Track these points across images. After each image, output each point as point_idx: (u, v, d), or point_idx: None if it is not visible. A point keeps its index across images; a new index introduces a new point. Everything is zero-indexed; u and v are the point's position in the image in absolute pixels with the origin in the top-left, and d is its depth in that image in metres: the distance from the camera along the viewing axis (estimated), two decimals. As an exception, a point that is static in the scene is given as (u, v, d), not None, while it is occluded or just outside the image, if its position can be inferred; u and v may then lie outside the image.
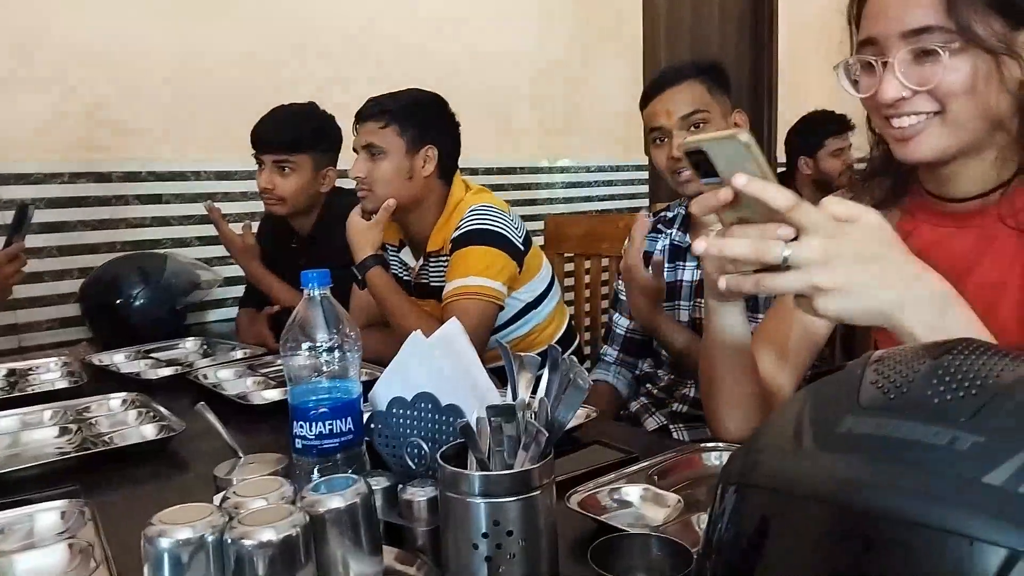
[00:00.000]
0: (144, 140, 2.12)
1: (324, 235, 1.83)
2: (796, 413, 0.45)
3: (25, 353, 1.83)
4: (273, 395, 1.36)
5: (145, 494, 1.00)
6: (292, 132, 1.77)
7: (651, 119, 1.43)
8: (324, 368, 0.84)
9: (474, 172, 2.56)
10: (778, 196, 0.67)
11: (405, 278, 1.73)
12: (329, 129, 1.83)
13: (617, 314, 1.59)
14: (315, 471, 0.82)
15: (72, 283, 1.98)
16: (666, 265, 1.48)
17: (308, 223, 1.85)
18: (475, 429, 0.72)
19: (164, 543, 0.61)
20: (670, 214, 1.56)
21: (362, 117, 1.59)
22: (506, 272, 1.57)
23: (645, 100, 1.45)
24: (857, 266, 0.68)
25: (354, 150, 1.61)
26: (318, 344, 0.84)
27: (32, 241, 1.77)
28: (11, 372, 1.59)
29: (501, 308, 1.55)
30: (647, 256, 1.51)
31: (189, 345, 1.80)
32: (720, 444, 0.96)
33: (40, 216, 1.92)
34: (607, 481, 0.87)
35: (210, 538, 0.62)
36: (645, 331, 1.50)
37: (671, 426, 1.44)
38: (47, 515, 0.85)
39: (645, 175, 3.37)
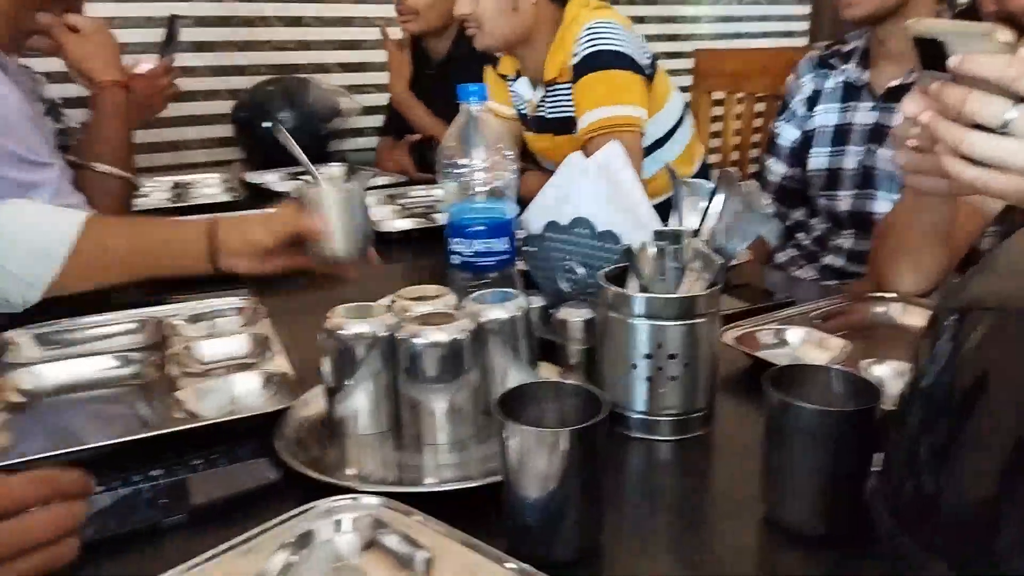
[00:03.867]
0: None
1: (459, 59, 1.77)
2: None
3: (183, 169, 1.95)
4: (405, 224, 1.38)
5: (306, 299, 1.07)
6: None
7: None
8: (481, 186, 0.83)
9: None
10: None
11: (522, 111, 1.64)
12: None
13: (773, 159, 1.48)
14: (470, 288, 0.84)
15: (223, 103, 2.05)
16: (838, 105, 1.35)
17: (442, 47, 1.80)
18: (636, 254, 0.70)
19: (342, 335, 0.65)
20: (845, 48, 1.39)
21: None
22: (640, 95, 1.44)
23: None
24: None
25: None
26: (477, 162, 0.83)
27: (184, 60, 1.83)
28: (176, 184, 1.71)
29: (643, 134, 1.46)
30: (816, 94, 1.38)
31: (333, 170, 1.85)
32: (892, 295, 0.90)
33: (190, 35, 1.96)
34: (764, 321, 0.85)
35: (383, 335, 0.65)
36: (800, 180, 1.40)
37: (822, 281, 1.37)
38: (227, 310, 0.92)
39: (806, 9, 3.04)
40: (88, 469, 0.61)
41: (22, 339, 0.83)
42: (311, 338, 0.67)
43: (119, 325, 0.88)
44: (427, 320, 0.65)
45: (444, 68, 1.81)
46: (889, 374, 0.71)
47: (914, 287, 0.91)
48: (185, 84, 1.98)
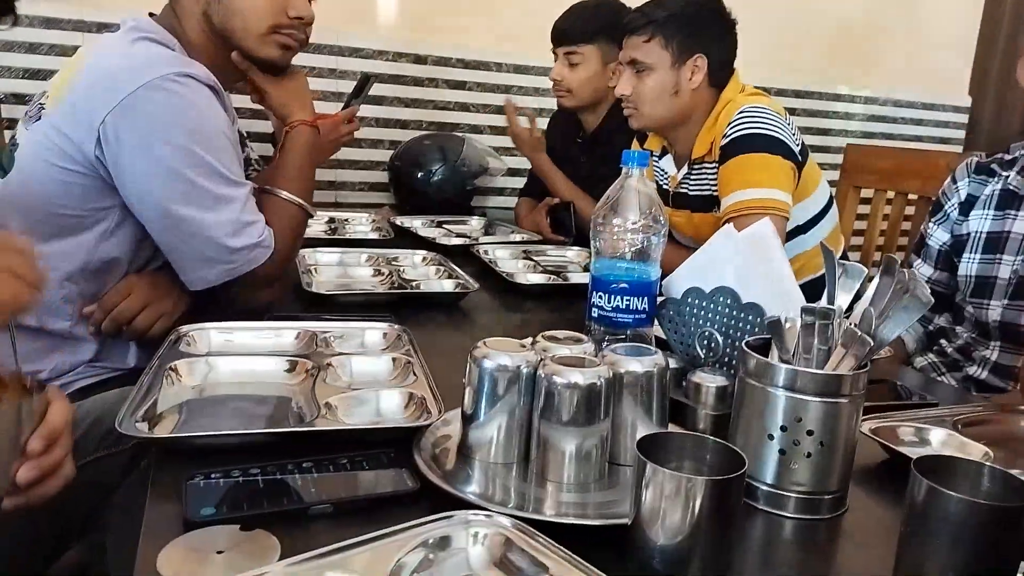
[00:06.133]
0: (458, 24, 2.26)
1: (608, 132, 1.84)
2: None
3: (339, 207, 2.11)
4: (538, 279, 1.44)
5: (445, 331, 1.13)
6: (582, 23, 1.78)
7: None
8: (629, 247, 0.87)
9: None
10: None
11: (664, 186, 1.67)
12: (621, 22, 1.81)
13: (920, 260, 1.44)
14: (605, 341, 0.87)
15: (383, 152, 2.22)
16: (993, 212, 1.30)
17: (595, 120, 1.88)
18: (783, 327, 0.71)
19: (487, 364, 0.69)
20: (1009, 156, 1.35)
21: (628, 29, 1.50)
22: (788, 180, 1.43)
23: None
24: None
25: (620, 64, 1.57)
26: (628, 223, 0.87)
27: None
28: (331, 220, 1.85)
29: (787, 219, 1.45)
30: (972, 199, 1.34)
31: (474, 223, 1.96)
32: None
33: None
34: (904, 417, 0.82)
35: (525, 370, 0.69)
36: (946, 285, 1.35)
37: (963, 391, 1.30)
38: (373, 333, 1.00)
39: (963, 118, 2.94)
40: (248, 452, 0.68)
41: (199, 334, 0.93)
42: (447, 365, 0.71)
43: (280, 334, 0.96)
44: (567, 362, 0.68)
45: (593, 138, 1.89)
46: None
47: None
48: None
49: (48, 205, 1.05)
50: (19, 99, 1.85)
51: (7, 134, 1.18)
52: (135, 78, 1.00)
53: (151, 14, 1.16)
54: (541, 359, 0.70)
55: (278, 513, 0.59)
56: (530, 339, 0.76)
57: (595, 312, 0.87)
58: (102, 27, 1.88)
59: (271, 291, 1.13)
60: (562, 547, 0.52)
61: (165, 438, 0.69)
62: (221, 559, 0.51)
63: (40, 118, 1.08)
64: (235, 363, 0.86)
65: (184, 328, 0.93)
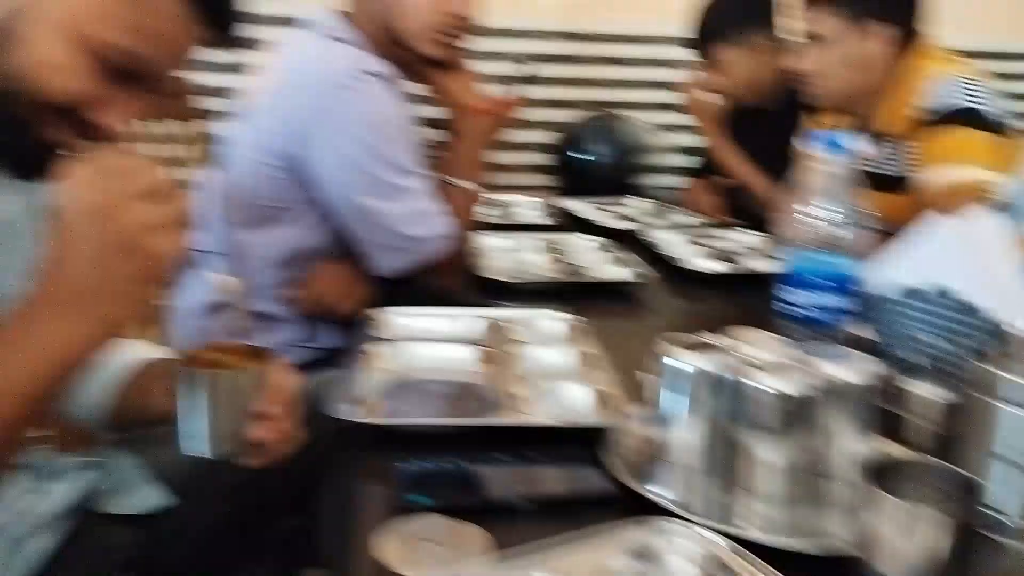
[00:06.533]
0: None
1: (776, 110, 1.73)
2: None
3: (503, 190, 2.14)
4: (715, 266, 1.38)
5: (621, 321, 1.12)
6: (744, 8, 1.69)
7: None
8: (826, 237, 0.81)
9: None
10: None
11: (852, 166, 1.53)
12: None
13: None
14: (801, 341, 0.82)
15: (546, 134, 2.21)
16: None
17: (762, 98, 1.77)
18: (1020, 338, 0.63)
19: (684, 367, 0.67)
20: None
21: (806, 1, 1.40)
22: (995, 158, 1.28)
23: None
24: None
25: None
26: (823, 210, 0.81)
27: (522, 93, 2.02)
28: (497, 204, 1.88)
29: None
30: None
31: (640, 205, 1.91)
32: None
33: (529, 70, 2.16)
34: None
35: (722, 374, 0.66)
36: None
37: None
38: (553, 323, 1.00)
39: None
40: (443, 441, 0.70)
41: (388, 319, 0.98)
42: (626, 358, 0.69)
43: (463, 320, 0.98)
44: (773, 368, 0.65)
45: (761, 117, 1.78)
46: None
47: None
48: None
49: (253, 197, 1.14)
50: (217, 93, 2.02)
51: (215, 128, 1.29)
52: (324, 78, 1.06)
53: (333, 11, 1.22)
54: (744, 363, 0.66)
55: (480, 505, 0.60)
56: (722, 338, 0.73)
57: (788, 308, 0.82)
58: (291, 22, 2.01)
59: (450, 277, 1.16)
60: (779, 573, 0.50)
61: (373, 424, 0.73)
62: (434, 549, 0.53)
63: (244, 115, 1.17)
64: (425, 349, 0.89)
65: (376, 313, 0.98)
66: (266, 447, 0.61)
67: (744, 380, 0.64)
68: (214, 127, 1.67)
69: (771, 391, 0.62)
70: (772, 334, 0.71)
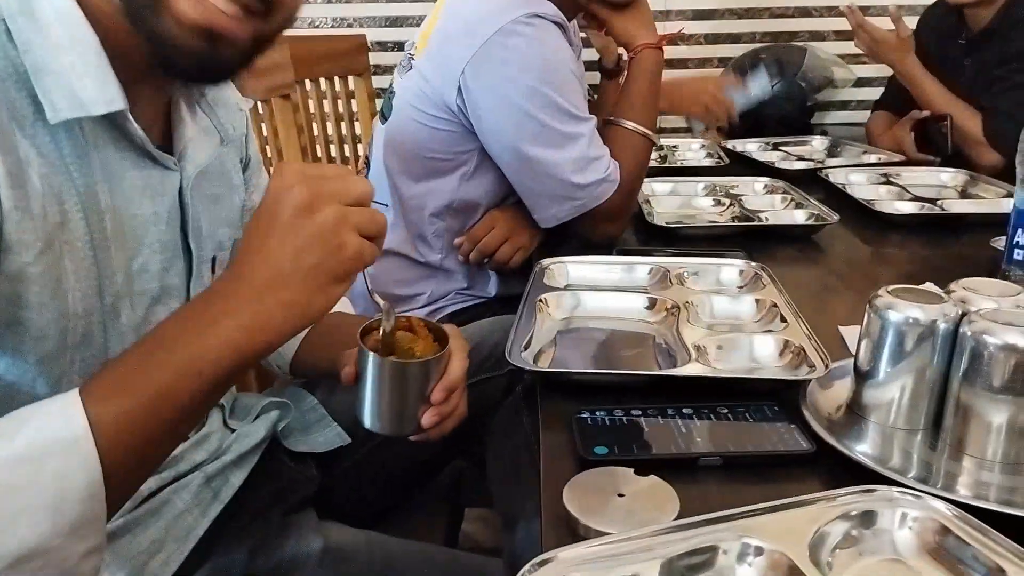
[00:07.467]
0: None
1: (1002, 31, 1.51)
2: None
3: (664, 133, 2.05)
4: (908, 208, 1.24)
5: (801, 268, 1.03)
6: None
7: None
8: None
9: None
10: None
11: None
12: None
13: None
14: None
15: (712, 71, 2.08)
16: None
17: (987, 14, 1.54)
18: None
19: (893, 316, 0.60)
20: None
21: None
22: None
23: None
24: None
25: None
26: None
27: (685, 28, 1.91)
28: (659, 147, 1.80)
29: None
30: None
31: (816, 143, 1.77)
32: None
33: (686, 2, 2.03)
34: None
35: (942, 325, 0.59)
36: None
37: None
38: (729, 270, 0.94)
39: None
40: (622, 391, 0.68)
41: (557, 267, 0.96)
42: (812, 308, 0.63)
43: (633, 268, 0.95)
44: (1002, 319, 0.56)
45: (983, 37, 1.56)
46: None
47: None
48: (678, 52, 2.07)
49: (419, 149, 1.15)
50: (382, 47, 2.07)
51: (387, 80, 1.32)
52: (489, 25, 1.04)
53: None
54: (964, 313, 0.59)
55: (666, 459, 0.58)
56: (936, 287, 0.65)
57: (1019, 254, 0.72)
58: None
59: (617, 224, 1.13)
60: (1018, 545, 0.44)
61: (551, 372, 0.72)
62: (622, 503, 0.52)
63: (411, 67, 1.18)
64: (597, 298, 0.87)
65: (545, 261, 0.97)
66: (436, 427, 0.63)
67: (967, 332, 0.57)
68: (382, 80, 1.71)
69: (1001, 344, 0.55)
70: (1004, 283, 0.63)
